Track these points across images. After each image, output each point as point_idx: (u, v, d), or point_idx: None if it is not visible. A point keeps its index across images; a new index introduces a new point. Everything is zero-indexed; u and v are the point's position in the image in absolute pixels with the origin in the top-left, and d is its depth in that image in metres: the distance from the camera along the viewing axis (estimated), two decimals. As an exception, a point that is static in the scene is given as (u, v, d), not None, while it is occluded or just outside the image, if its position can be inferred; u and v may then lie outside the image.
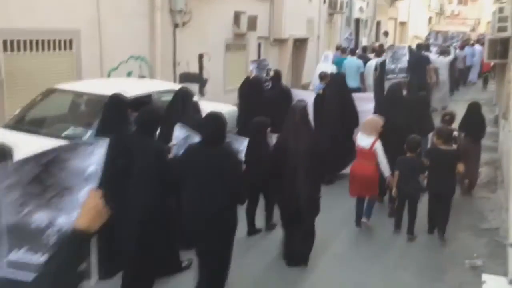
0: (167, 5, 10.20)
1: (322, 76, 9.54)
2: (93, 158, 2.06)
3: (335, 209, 6.31)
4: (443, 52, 14.58)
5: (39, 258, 2.04)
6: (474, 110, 7.53)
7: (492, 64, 14.20)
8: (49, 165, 2.06)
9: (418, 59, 11.36)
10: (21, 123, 6.33)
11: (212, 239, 3.90)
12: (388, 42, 21.19)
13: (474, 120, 7.36)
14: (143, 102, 6.65)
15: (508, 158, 7.38)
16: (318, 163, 4.97)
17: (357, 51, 14.45)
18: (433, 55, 13.68)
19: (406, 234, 5.94)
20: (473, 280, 4.87)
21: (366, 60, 12.49)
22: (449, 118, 6.93)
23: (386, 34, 23.02)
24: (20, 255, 2.05)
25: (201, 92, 11.52)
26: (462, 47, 18.51)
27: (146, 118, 4.38)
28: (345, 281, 4.93)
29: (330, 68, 10.99)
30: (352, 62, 11.99)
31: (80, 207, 1.85)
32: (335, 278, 4.98)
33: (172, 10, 10.34)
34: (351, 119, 7.40)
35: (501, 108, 10.36)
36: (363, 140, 5.93)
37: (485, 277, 4.29)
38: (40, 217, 2.05)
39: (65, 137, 5.80)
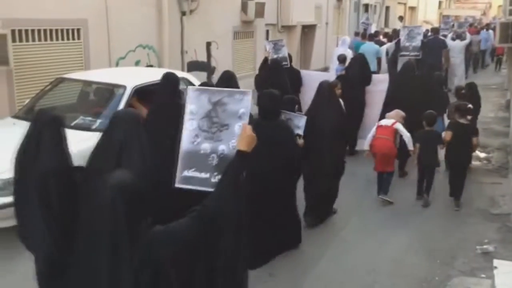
0: (174, -7, 10.16)
1: (341, 59, 10.18)
2: (243, 103, 2.83)
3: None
4: (458, 36, 15.03)
5: (204, 175, 2.81)
6: (472, 89, 8.26)
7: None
8: (216, 104, 2.86)
9: (435, 42, 12.04)
10: (31, 113, 6.36)
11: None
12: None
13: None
14: (151, 91, 6.68)
15: (519, 143, 7.31)
16: (344, 136, 5.87)
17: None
18: (448, 40, 14.15)
19: (423, 196, 6.55)
20: (485, 265, 4.85)
21: (380, 44, 13.00)
22: (464, 91, 7.66)
23: (401, 18, 22.97)
24: (190, 173, 2.83)
25: (209, 80, 11.50)
26: (478, 32, 19.08)
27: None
28: (356, 264, 4.93)
29: (347, 52, 11.33)
30: (370, 46, 12.35)
31: (236, 137, 2.67)
32: (346, 262, 4.98)
33: (179, -3, 10.29)
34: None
35: (513, 93, 10.23)
36: (385, 121, 6.50)
37: (496, 262, 4.28)
38: (206, 146, 2.85)
39: (75, 127, 5.84)
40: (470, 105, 6.86)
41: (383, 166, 6.43)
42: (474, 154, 7.62)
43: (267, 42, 9.97)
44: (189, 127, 2.85)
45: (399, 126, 6.34)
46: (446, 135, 6.40)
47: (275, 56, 8.81)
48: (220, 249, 2.30)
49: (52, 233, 2.78)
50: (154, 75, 7.21)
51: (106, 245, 1.91)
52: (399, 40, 10.50)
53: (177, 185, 2.79)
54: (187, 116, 2.87)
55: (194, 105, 2.87)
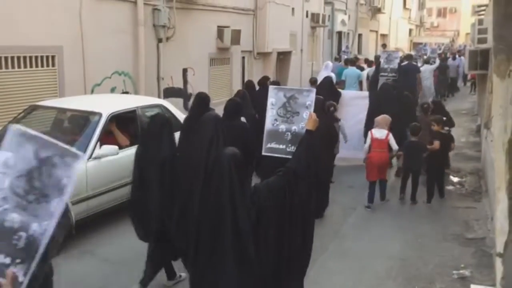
0: (150, 20, 10.20)
1: (312, 81, 11.23)
2: (309, 97, 3.89)
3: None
4: (427, 61, 16.57)
5: (282, 146, 3.89)
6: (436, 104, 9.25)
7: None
8: (290, 98, 3.94)
9: (410, 68, 12.99)
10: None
11: None
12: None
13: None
14: (127, 117, 6.64)
15: (491, 168, 7.46)
16: (332, 142, 7.03)
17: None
18: (419, 64, 15.45)
19: (410, 200, 7.48)
20: (462, 290, 4.89)
21: (361, 69, 14.03)
22: (427, 106, 8.58)
23: (384, 46, 23.68)
24: (272, 145, 3.89)
25: (186, 107, 11.49)
26: (453, 57, 20.42)
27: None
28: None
29: (331, 75, 12.22)
30: (352, 71, 13.42)
31: (304, 121, 3.70)
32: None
33: (155, 25, 10.34)
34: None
35: (483, 118, 10.51)
36: (378, 133, 7.27)
37: (473, 287, 4.31)
38: (282, 127, 3.92)
39: (49, 155, 5.72)
40: (444, 118, 7.94)
41: (379, 175, 7.29)
42: (448, 179, 8.44)
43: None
44: (270, 114, 3.95)
45: (391, 139, 7.23)
46: (435, 144, 7.32)
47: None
48: (299, 193, 3.20)
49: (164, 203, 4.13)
50: (130, 102, 7.21)
51: (226, 194, 2.94)
52: (379, 63, 11.34)
53: (264, 153, 3.98)
54: (269, 106, 3.98)
55: (274, 98, 4.00)
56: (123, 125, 6.53)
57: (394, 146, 7.25)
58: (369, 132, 7.42)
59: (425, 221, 6.86)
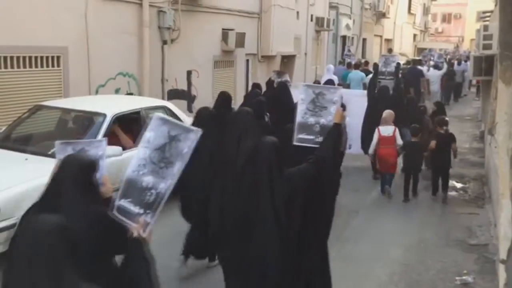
0: (155, 22, 10.23)
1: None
2: (336, 94, 4.14)
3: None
4: (436, 66, 16.89)
5: (311, 137, 4.09)
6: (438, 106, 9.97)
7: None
8: (318, 95, 4.12)
9: (414, 72, 14.12)
10: (8, 141, 6.25)
11: None
12: None
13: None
14: (131, 119, 6.65)
15: (494, 174, 7.45)
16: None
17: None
18: (425, 69, 16.21)
19: (411, 194, 7.82)
20: (464, 297, 4.87)
21: (367, 73, 14.01)
22: (423, 108, 9.17)
23: (390, 51, 23.72)
24: (303, 135, 4.11)
25: (189, 109, 11.51)
26: (459, 63, 20.74)
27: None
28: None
29: (334, 78, 12.69)
30: (356, 74, 13.76)
31: (332, 115, 4.04)
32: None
33: (160, 27, 10.37)
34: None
35: (487, 124, 10.49)
36: (385, 130, 7.72)
37: (476, 294, 4.30)
38: (312, 120, 4.11)
39: (52, 155, 5.74)
40: (447, 118, 8.28)
41: (389, 169, 7.80)
42: (450, 184, 8.35)
43: (273, 73, 10.65)
44: (301, 108, 4.23)
45: (397, 134, 7.73)
46: (431, 143, 7.67)
47: (278, 80, 9.71)
48: (325, 177, 3.63)
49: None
50: (134, 103, 7.23)
51: (266, 176, 3.31)
52: (377, 67, 11.49)
53: (294, 143, 4.19)
54: (299, 102, 4.28)
55: (304, 95, 4.24)
56: (127, 127, 6.54)
57: (399, 141, 7.74)
58: (376, 130, 7.77)
59: (428, 227, 6.84)
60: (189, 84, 11.65)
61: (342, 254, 5.92)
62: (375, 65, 13.59)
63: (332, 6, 20.65)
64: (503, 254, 4.28)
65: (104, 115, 6.17)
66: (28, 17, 7.53)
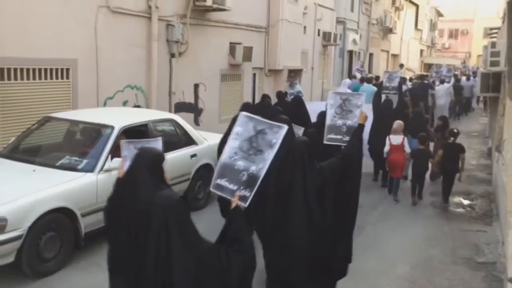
0: (164, 36, 10.32)
1: None
2: (360, 100, 4.91)
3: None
4: (442, 81, 17.54)
5: (339, 137, 4.88)
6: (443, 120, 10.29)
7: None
8: (345, 100, 4.88)
9: (423, 86, 15.05)
10: (16, 152, 6.28)
11: None
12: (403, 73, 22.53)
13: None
14: (138, 131, 6.68)
15: (502, 191, 7.40)
16: None
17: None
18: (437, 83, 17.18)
19: (417, 198, 8.54)
20: (472, 315, 4.81)
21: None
22: (426, 119, 10.05)
23: (401, 66, 23.91)
24: (332, 136, 4.92)
25: (196, 122, 11.55)
26: (467, 78, 21.09)
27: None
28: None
29: (348, 92, 12.90)
30: (368, 88, 13.89)
31: (357, 117, 4.81)
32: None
33: (168, 40, 10.46)
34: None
35: (494, 141, 10.45)
36: (395, 139, 8.54)
37: (484, 313, 4.25)
38: (339, 122, 4.90)
39: (60, 167, 5.77)
40: (456, 130, 8.85)
41: (399, 173, 8.60)
42: (457, 200, 8.66)
43: (286, 83, 11.54)
44: (330, 112, 5.04)
45: (406, 143, 8.55)
46: (439, 152, 8.50)
47: (291, 91, 10.61)
48: (351, 171, 4.20)
49: None
50: (142, 115, 7.26)
51: (300, 171, 3.85)
52: (381, 82, 12.31)
53: (325, 142, 5.01)
54: (328, 107, 5.07)
55: (332, 100, 5.04)
56: (134, 139, 6.56)
57: (407, 149, 8.52)
58: (388, 138, 8.61)
59: (435, 243, 6.79)
60: (196, 97, 11.71)
61: (348, 269, 5.87)
62: (380, 80, 14.66)
63: (339, 21, 20.76)
64: (511, 273, 4.24)
65: (112, 127, 6.20)
66: (38, 30, 7.62)
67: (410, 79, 19.08)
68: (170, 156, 6.88)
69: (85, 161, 5.86)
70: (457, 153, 8.37)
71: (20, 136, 6.61)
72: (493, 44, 8.66)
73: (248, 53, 12.92)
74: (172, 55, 10.61)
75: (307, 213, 3.86)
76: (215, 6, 11.02)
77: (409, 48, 33.87)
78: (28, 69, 7.60)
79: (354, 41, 22.56)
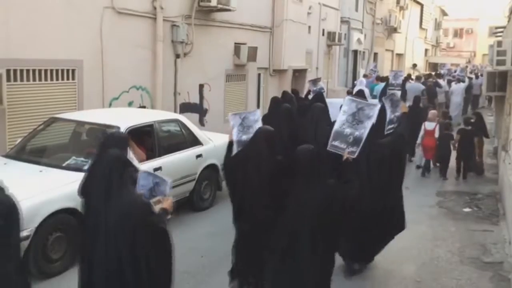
0: (169, 36, 10.33)
1: (348, 92, 12.50)
2: (372, 111, 4.95)
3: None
4: (459, 80, 18.33)
5: (343, 146, 4.83)
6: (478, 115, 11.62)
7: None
8: (360, 109, 4.94)
9: (435, 85, 16.47)
10: (23, 153, 6.31)
11: None
12: (415, 73, 23.08)
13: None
14: (143, 132, 6.69)
15: (509, 191, 7.36)
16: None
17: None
18: (442, 82, 18.04)
19: (442, 176, 10.32)
20: (479, 315, 4.78)
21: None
22: (473, 120, 10.82)
23: (414, 66, 23.98)
24: (337, 143, 4.87)
25: (201, 122, 11.56)
26: (477, 76, 21.95)
27: None
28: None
29: (366, 90, 13.37)
30: (381, 86, 14.57)
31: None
32: None
33: (173, 41, 10.47)
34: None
35: (501, 140, 10.41)
36: (429, 125, 10.27)
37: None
38: (347, 130, 4.89)
39: (66, 167, 5.79)
40: (472, 118, 10.84)
41: (430, 155, 10.39)
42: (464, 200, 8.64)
43: (310, 83, 11.74)
44: (341, 118, 5.10)
45: (437, 129, 10.25)
46: (456, 137, 10.32)
47: (314, 89, 10.94)
48: (401, 149, 5.54)
49: None
50: (147, 116, 7.27)
51: (313, 162, 3.89)
52: (388, 79, 13.95)
53: (328, 149, 4.90)
54: (341, 112, 5.17)
55: (347, 107, 5.10)
56: (139, 139, 6.57)
57: (437, 134, 10.22)
58: (423, 124, 10.26)
59: (442, 244, 6.76)
60: (201, 97, 11.71)
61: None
62: (387, 78, 15.77)
63: (343, 21, 20.72)
64: (519, 273, 4.22)
65: (118, 128, 6.21)
66: (44, 31, 7.65)
67: (424, 77, 19.69)
68: (175, 156, 6.96)
69: (91, 161, 5.87)
70: (472, 138, 10.19)
71: (26, 137, 6.63)
72: (499, 43, 8.58)
73: (252, 53, 12.91)
74: (177, 56, 10.62)
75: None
76: (219, 6, 11.02)
77: (413, 48, 33.75)
78: (34, 70, 7.63)
79: (358, 40, 22.51)
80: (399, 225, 5.77)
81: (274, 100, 7.80)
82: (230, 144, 4.90)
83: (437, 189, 9.44)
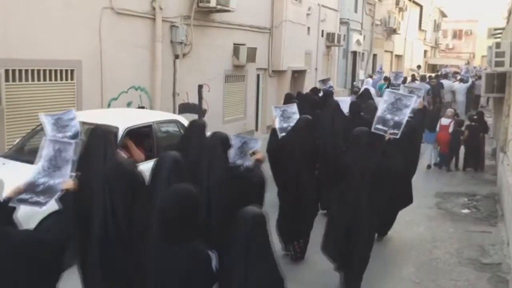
0: (168, 37, 10.32)
1: (355, 92, 15.02)
2: (409, 101, 5.82)
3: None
4: (462, 80, 19.67)
5: (386, 128, 5.60)
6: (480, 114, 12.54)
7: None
8: (397, 99, 5.74)
9: (437, 84, 17.90)
10: (21, 153, 6.29)
11: None
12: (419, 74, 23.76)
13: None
14: (142, 132, 6.68)
15: (507, 192, 7.37)
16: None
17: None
18: (449, 82, 19.41)
19: (455, 167, 11.43)
20: (477, 317, 4.79)
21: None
22: (475, 116, 12.37)
23: (419, 67, 24.10)
24: (380, 126, 5.66)
25: (200, 123, 11.53)
26: (479, 77, 22.13)
27: None
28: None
29: (372, 89, 14.67)
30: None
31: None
32: None
33: (172, 41, 10.46)
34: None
35: (499, 142, 10.41)
36: (445, 121, 11.24)
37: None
38: (388, 116, 5.65)
39: (65, 167, 5.76)
40: (475, 115, 12.30)
41: (445, 148, 11.28)
42: (462, 202, 8.75)
43: (319, 83, 12.81)
44: (382, 107, 5.88)
45: (451, 125, 11.16)
46: (465, 132, 11.32)
47: (324, 87, 11.83)
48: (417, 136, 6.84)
49: None
50: (146, 117, 7.26)
51: (367, 138, 5.02)
52: (389, 79, 14.96)
53: (372, 130, 5.62)
54: (382, 101, 6.01)
55: (387, 97, 5.95)
56: (138, 140, 6.56)
57: (451, 129, 11.17)
58: (439, 120, 11.30)
59: (440, 245, 6.77)
60: (200, 98, 11.71)
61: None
62: (388, 78, 16.80)
63: (342, 22, 20.74)
64: (517, 274, 4.22)
65: (117, 128, 6.20)
66: (42, 31, 7.64)
67: (429, 77, 20.79)
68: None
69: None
70: (478, 133, 11.30)
71: (25, 137, 6.62)
72: (498, 45, 8.60)
73: (252, 54, 12.91)
74: (176, 56, 10.61)
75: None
76: (219, 7, 11.02)
77: (413, 49, 33.79)
78: (33, 71, 7.61)
79: (357, 41, 22.54)
80: (407, 198, 6.92)
81: (288, 96, 9.73)
82: (274, 130, 6.43)
83: (436, 190, 9.45)
